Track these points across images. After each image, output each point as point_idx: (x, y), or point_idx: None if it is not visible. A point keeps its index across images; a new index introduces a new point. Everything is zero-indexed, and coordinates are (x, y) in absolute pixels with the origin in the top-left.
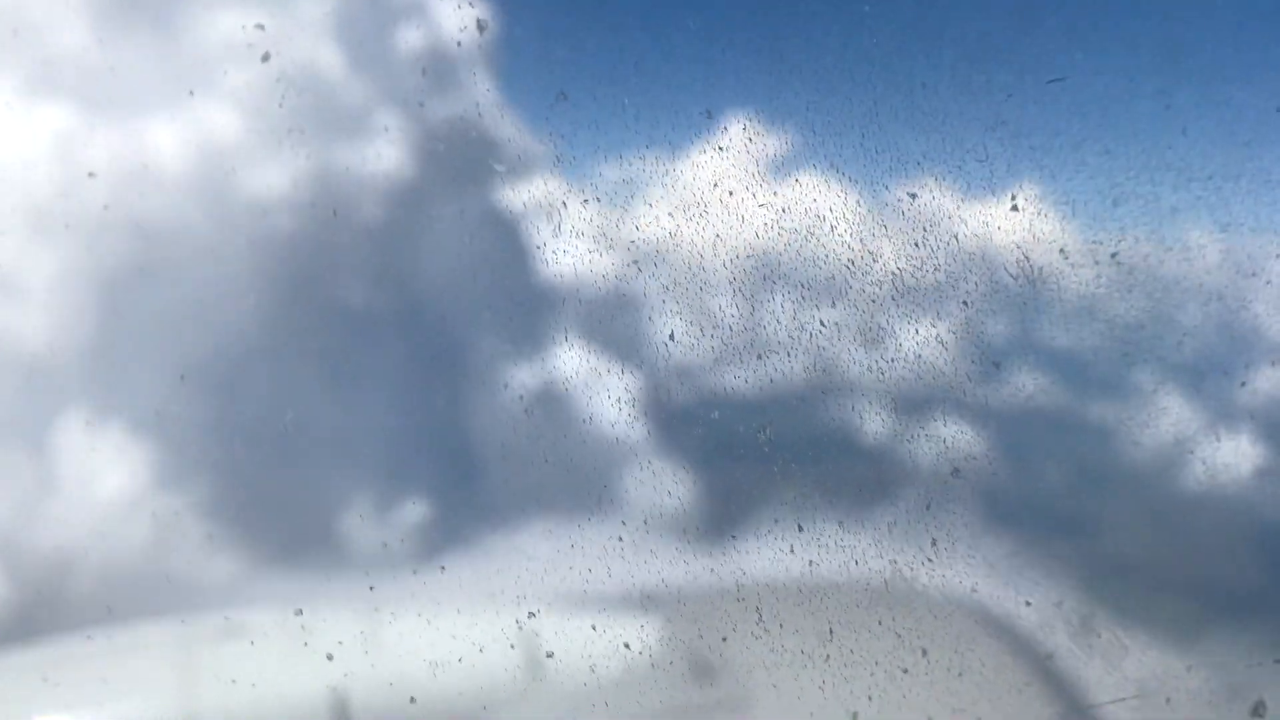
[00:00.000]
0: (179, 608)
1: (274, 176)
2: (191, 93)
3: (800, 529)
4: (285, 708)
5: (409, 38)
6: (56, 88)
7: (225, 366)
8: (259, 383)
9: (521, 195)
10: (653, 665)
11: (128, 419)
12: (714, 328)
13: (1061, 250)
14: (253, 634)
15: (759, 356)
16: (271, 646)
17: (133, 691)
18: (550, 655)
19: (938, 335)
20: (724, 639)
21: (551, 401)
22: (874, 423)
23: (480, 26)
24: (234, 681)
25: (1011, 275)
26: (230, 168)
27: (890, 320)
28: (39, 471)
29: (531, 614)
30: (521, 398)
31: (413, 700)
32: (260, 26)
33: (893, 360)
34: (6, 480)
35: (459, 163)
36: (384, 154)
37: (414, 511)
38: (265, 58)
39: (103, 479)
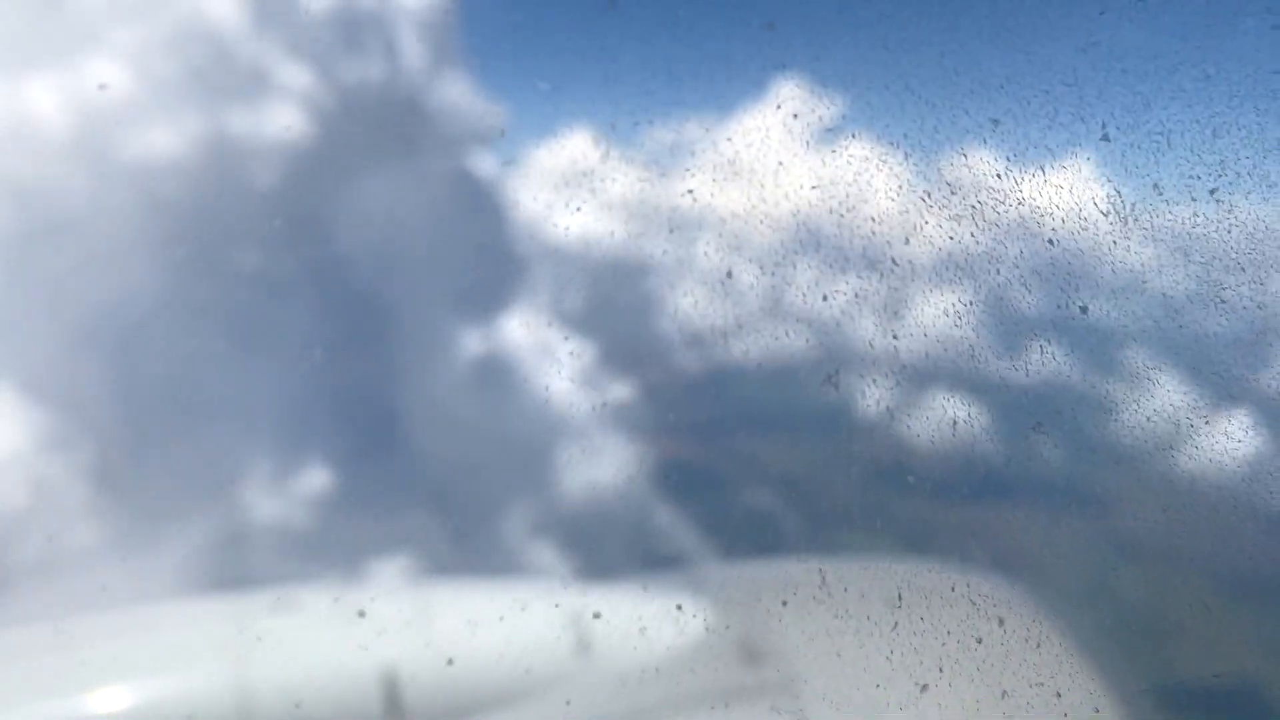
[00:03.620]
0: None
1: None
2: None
3: (863, 494)
4: (334, 680)
5: None
6: None
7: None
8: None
9: (559, 161)
10: (708, 630)
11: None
12: (740, 297)
13: (1156, 185)
14: (304, 608)
15: (788, 331)
16: (321, 620)
17: (183, 665)
18: (597, 615)
19: (1021, 276)
20: (784, 603)
21: (579, 367)
22: (929, 390)
23: None
24: (284, 655)
25: (1102, 211)
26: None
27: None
28: None
29: (561, 591)
30: (551, 365)
31: (450, 662)
32: None
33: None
34: None
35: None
36: (374, 116)
37: (462, 477)
38: None
39: None
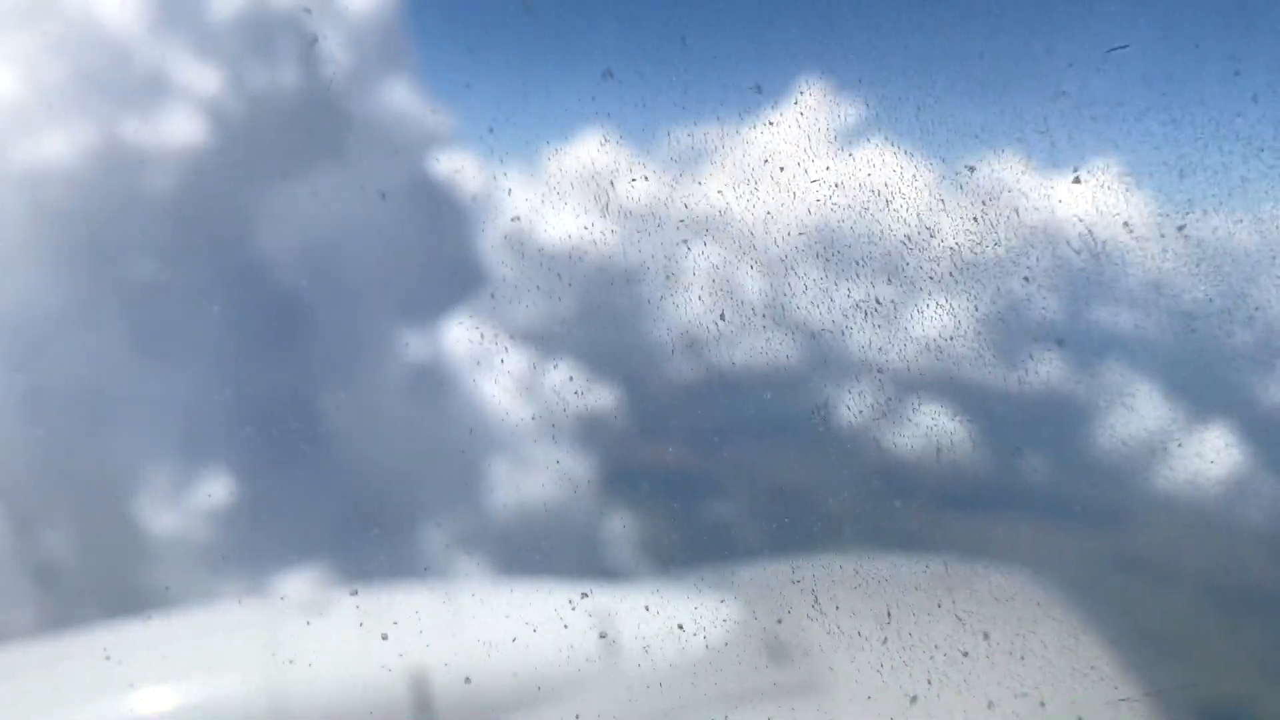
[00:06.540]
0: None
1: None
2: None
3: (857, 511)
4: (364, 686)
5: None
6: None
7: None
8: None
9: (572, 164)
10: (707, 647)
11: None
12: (763, 307)
13: (1126, 224)
14: (333, 613)
15: (812, 335)
16: (351, 624)
17: (215, 670)
18: (604, 636)
19: (998, 312)
20: (779, 621)
21: (598, 376)
22: (928, 402)
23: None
24: (315, 659)
25: (1075, 250)
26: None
27: (949, 298)
28: None
29: (585, 594)
30: (571, 378)
31: (468, 680)
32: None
33: (952, 338)
34: None
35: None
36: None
37: (476, 490)
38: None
39: None
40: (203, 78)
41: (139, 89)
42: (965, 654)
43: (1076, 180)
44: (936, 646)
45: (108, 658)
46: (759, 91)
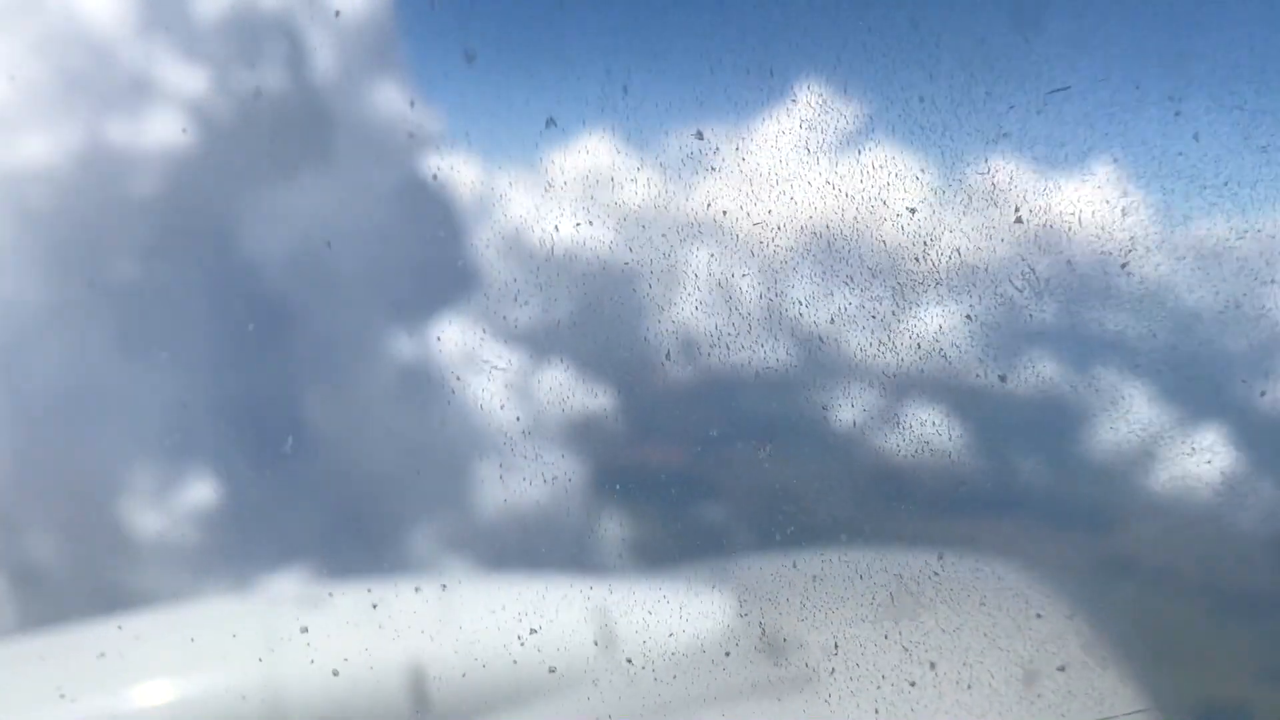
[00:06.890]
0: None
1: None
2: None
3: (803, 540)
4: (362, 680)
5: None
6: None
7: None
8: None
9: (568, 167)
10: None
11: None
12: (760, 309)
13: (1069, 262)
14: (331, 608)
15: (808, 338)
16: (348, 618)
17: (208, 667)
18: (600, 634)
19: (940, 350)
20: (726, 654)
21: (594, 378)
22: (878, 427)
23: None
24: (310, 647)
25: (1017, 289)
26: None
27: (892, 334)
28: None
29: (580, 593)
30: (567, 379)
31: (463, 678)
32: None
33: (894, 375)
34: None
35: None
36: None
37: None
38: None
39: None
40: (191, 78)
41: (126, 89)
42: (912, 684)
43: (1018, 220)
44: (884, 677)
45: (100, 655)
46: (700, 138)
